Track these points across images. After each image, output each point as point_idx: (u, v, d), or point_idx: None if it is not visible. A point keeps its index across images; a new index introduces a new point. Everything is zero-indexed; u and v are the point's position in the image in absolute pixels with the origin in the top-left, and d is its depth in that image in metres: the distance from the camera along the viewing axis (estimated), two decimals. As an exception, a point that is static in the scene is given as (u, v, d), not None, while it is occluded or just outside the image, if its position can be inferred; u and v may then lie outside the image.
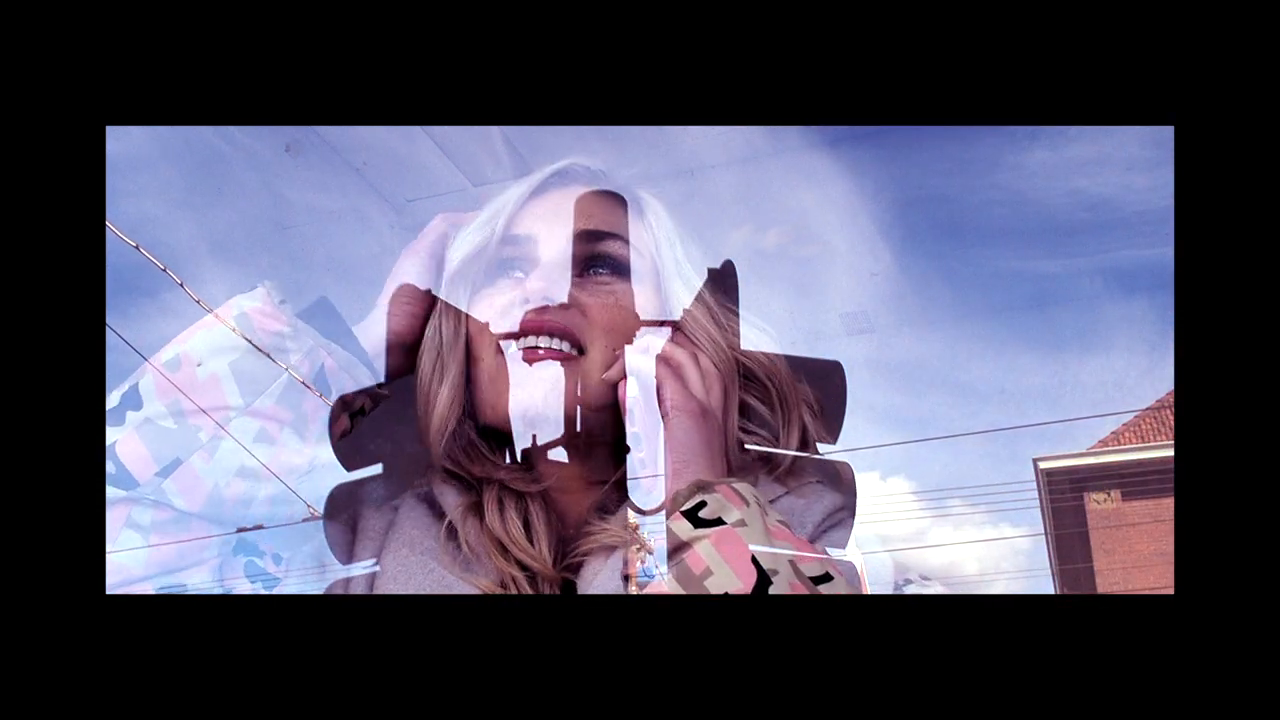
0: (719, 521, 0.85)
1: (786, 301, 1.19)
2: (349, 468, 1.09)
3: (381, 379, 1.07)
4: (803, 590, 0.83)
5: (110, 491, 0.96)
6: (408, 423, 1.12)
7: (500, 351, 1.03)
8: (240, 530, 1.02)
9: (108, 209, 0.91)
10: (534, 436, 1.02)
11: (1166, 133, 0.82)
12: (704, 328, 1.05)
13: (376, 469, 1.12)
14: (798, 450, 1.06)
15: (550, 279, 1.03)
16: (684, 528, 0.86)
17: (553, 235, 1.07)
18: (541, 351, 1.01)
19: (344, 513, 1.11)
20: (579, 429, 1.01)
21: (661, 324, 1.06)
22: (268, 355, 1.00)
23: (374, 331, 1.08)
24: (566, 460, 1.04)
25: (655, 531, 0.95)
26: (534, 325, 1.02)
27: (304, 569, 1.07)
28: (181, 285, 1.10)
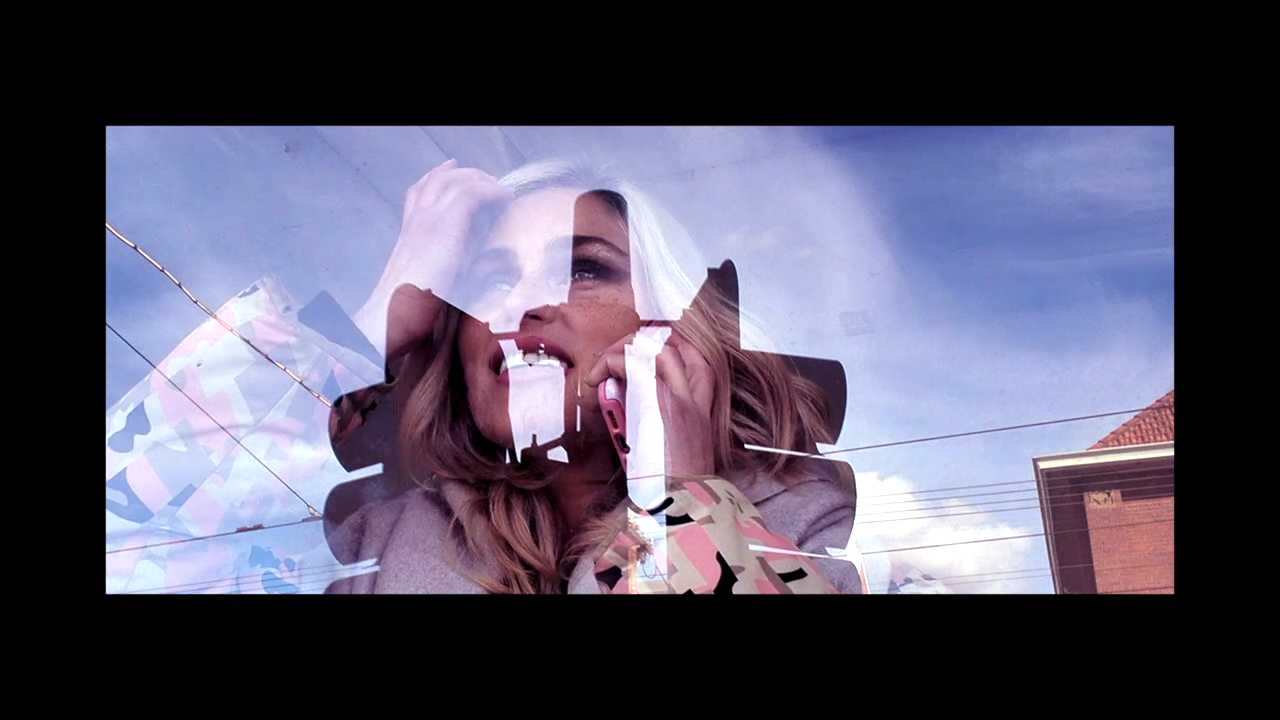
0: (685, 519, 0.85)
1: (786, 302, 1.19)
2: (349, 468, 1.09)
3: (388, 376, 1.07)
4: (771, 588, 0.82)
5: (122, 524, 0.94)
6: (408, 423, 1.12)
7: (493, 373, 1.02)
8: (240, 530, 1.01)
9: (108, 209, 0.91)
10: (533, 439, 1.02)
11: (1166, 133, 0.82)
12: (691, 322, 1.03)
13: (376, 469, 1.12)
14: (794, 447, 1.05)
15: (530, 293, 1.02)
16: (649, 525, 0.85)
17: (531, 246, 1.05)
18: (529, 371, 1.00)
19: (347, 513, 1.11)
20: (578, 432, 1.00)
21: (648, 322, 1.04)
22: (278, 365, 1.00)
23: (374, 324, 1.05)
24: (566, 463, 1.04)
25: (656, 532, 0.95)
26: (520, 343, 1.01)
27: (317, 571, 1.06)
28: (181, 285, 1.10)
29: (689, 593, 0.81)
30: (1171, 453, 0.78)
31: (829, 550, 0.96)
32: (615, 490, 1.03)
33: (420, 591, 1.00)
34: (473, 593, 0.99)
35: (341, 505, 1.12)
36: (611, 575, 0.85)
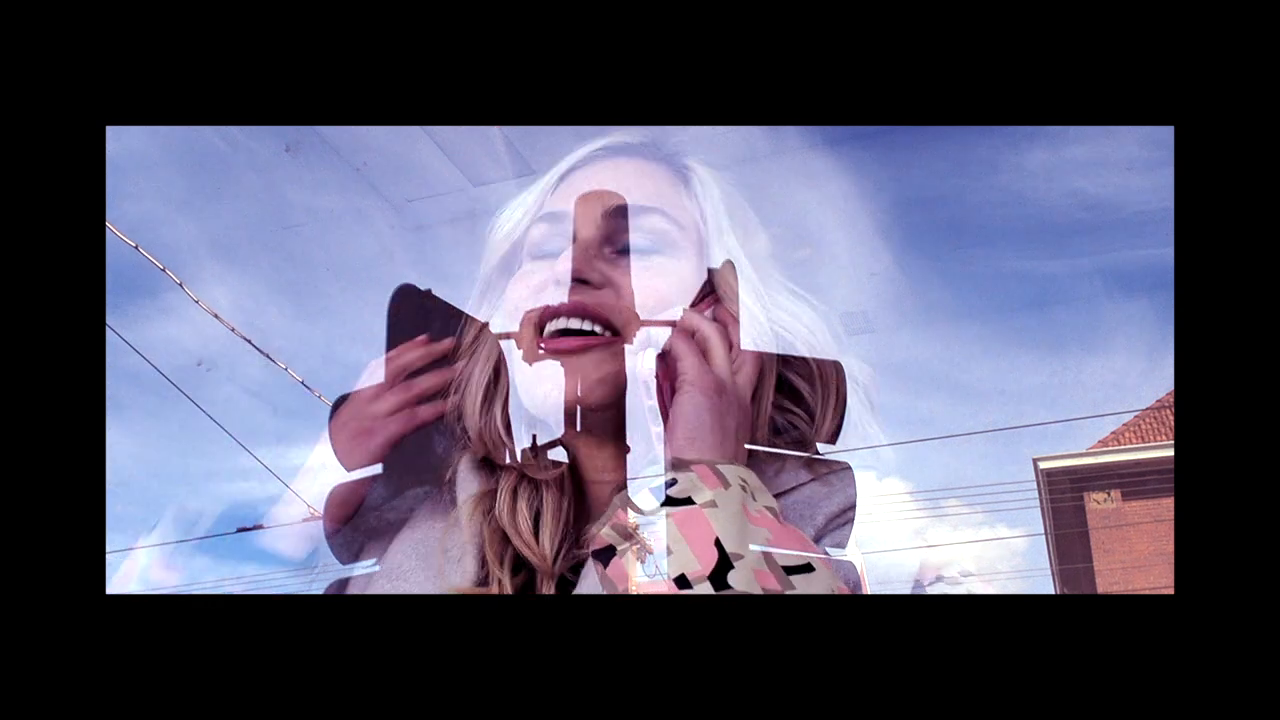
0: (687, 501, 0.83)
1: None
2: (349, 468, 1.09)
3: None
4: (772, 580, 0.80)
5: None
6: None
7: (537, 335, 1.00)
8: (240, 530, 1.01)
9: (108, 209, 0.91)
10: (567, 420, 0.99)
11: (1166, 133, 0.82)
12: (744, 303, 1.00)
13: (376, 469, 1.11)
14: (827, 439, 1.02)
15: (583, 258, 0.99)
16: (648, 502, 0.84)
17: (588, 212, 1.02)
18: (573, 335, 0.98)
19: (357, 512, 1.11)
20: (615, 403, 0.98)
21: (701, 297, 1.02)
22: (279, 364, 1.00)
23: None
24: (601, 443, 1.01)
25: (656, 532, 0.94)
26: (564, 308, 0.98)
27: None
28: (181, 285, 1.10)
29: (682, 577, 0.79)
30: (1171, 453, 0.78)
31: (829, 551, 0.96)
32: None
33: (411, 589, 1.00)
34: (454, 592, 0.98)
35: (344, 506, 1.12)
36: (606, 554, 0.83)
